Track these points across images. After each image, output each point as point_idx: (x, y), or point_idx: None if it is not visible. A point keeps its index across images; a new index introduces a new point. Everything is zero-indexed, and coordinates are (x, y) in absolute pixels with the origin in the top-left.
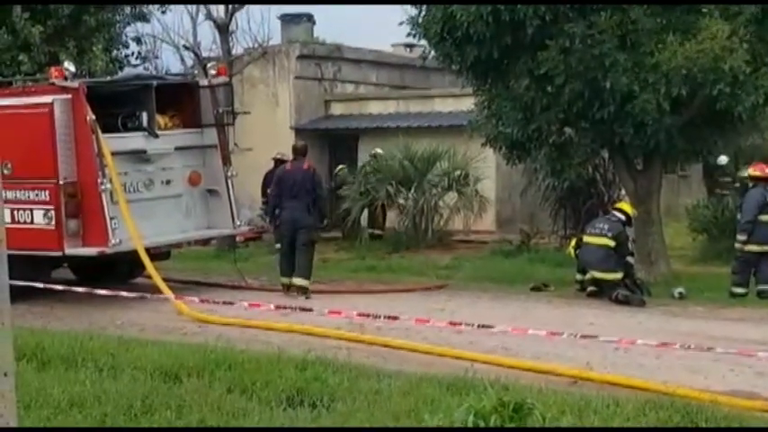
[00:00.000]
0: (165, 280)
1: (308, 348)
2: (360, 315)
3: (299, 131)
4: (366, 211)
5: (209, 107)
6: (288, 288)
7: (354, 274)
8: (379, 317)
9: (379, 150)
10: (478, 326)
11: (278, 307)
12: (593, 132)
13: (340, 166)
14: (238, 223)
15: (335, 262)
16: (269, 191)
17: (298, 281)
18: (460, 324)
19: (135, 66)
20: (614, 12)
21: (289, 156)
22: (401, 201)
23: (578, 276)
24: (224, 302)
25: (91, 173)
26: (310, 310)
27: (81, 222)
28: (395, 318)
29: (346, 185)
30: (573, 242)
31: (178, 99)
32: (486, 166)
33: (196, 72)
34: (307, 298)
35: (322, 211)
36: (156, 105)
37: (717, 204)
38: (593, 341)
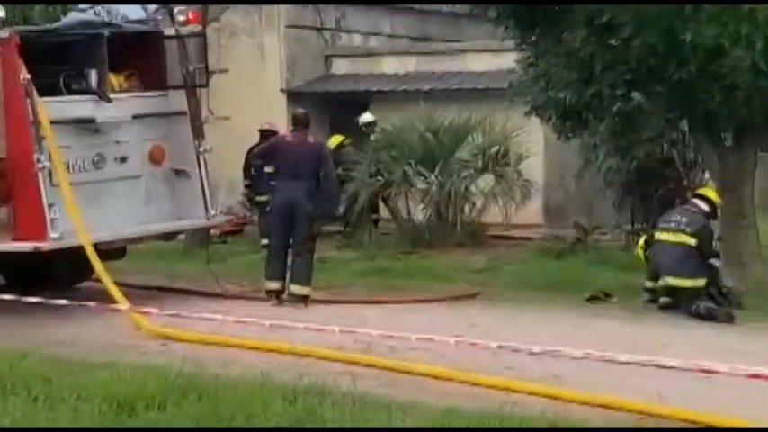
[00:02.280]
0: (120, 285)
1: (301, 373)
2: (368, 331)
3: (291, 95)
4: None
5: (176, 64)
6: (277, 296)
7: (362, 278)
8: (393, 334)
9: (368, 117)
10: (520, 347)
11: (263, 320)
12: (668, 98)
13: (335, 138)
14: (213, 213)
15: (337, 263)
16: (253, 169)
17: (295, 288)
18: (497, 344)
19: (82, 11)
20: None
21: (278, 127)
22: (422, 185)
23: (648, 284)
24: (194, 314)
25: (24, 147)
26: (305, 324)
27: (11, 210)
28: (410, 335)
29: (344, 164)
30: (642, 239)
31: (137, 53)
32: (532, 141)
33: (160, 19)
34: (305, 306)
35: (336, 198)
36: (109, 61)
37: None
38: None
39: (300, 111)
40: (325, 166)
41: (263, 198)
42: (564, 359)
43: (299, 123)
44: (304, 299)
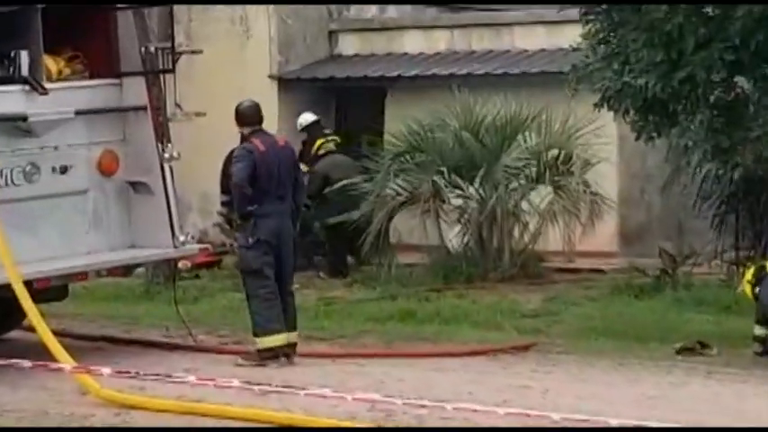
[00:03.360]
0: (60, 335)
1: None
2: (389, 397)
3: (285, 84)
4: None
5: (133, 43)
6: (286, 355)
7: (379, 324)
8: (421, 400)
9: (308, 117)
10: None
11: (248, 382)
12: None
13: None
14: (182, 239)
15: (347, 304)
16: (233, 182)
17: (293, 337)
18: (558, 415)
19: None
20: None
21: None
22: (457, 200)
23: (759, 330)
24: (157, 374)
25: None
26: (302, 388)
27: None
28: (445, 402)
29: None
30: (750, 272)
31: (82, 29)
32: (603, 141)
33: None
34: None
35: (298, 216)
36: (45, 40)
37: None
38: None
39: (247, 103)
40: (299, 173)
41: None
42: None
43: (251, 121)
44: (294, 347)
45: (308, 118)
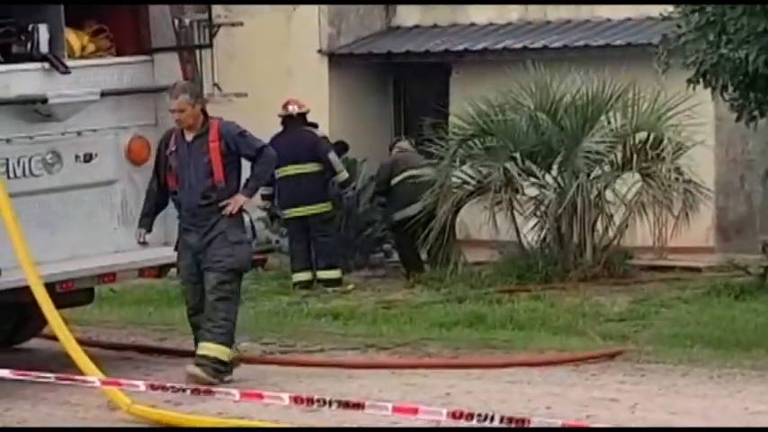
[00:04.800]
0: (86, 344)
1: None
2: (456, 415)
3: (336, 60)
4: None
5: (165, 15)
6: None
7: (444, 330)
8: (493, 417)
9: None
10: None
11: (297, 399)
12: None
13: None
14: None
15: (408, 308)
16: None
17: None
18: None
19: None
20: None
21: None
22: (533, 190)
23: None
24: (195, 389)
25: None
26: (357, 405)
27: None
28: (522, 421)
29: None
30: None
31: (108, 2)
32: (698, 122)
33: None
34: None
35: None
36: (67, 12)
37: None
38: None
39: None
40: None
41: (293, 212)
42: None
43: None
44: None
45: None
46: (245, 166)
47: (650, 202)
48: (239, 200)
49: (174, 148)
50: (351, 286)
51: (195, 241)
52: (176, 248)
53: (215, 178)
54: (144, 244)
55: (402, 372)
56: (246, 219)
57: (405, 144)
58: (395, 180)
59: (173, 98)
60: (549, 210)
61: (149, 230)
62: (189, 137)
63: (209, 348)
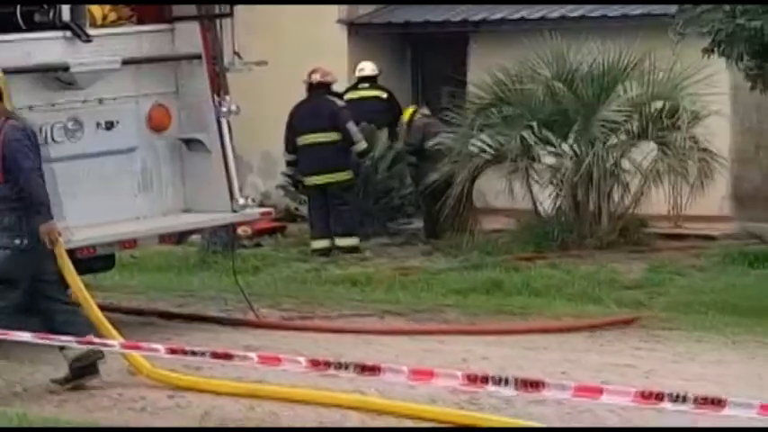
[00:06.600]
0: (107, 309)
1: None
2: (471, 378)
3: (355, 29)
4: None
5: None
6: None
7: (461, 297)
8: (508, 381)
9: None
10: (690, 399)
11: (314, 363)
12: None
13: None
14: (241, 202)
15: (425, 275)
16: (299, 140)
17: None
18: (661, 396)
19: None
20: None
21: (335, 77)
22: (549, 158)
23: None
24: (214, 353)
25: None
26: (374, 368)
27: None
28: (536, 384)
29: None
30: None
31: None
32: (714, 92)
33: None
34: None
35: None
36: None
37: None
38: None
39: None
40: None
41: (314, 180)
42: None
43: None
44: None
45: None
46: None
47: (666, 170)
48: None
49: None
50: (368, 253)
51: None
52: None
53: None
54: None
55: (419, 337)
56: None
57: (426, 110)
58: (428, 143)
59: None
60: (566, 178)
61: None
62: None
63: None
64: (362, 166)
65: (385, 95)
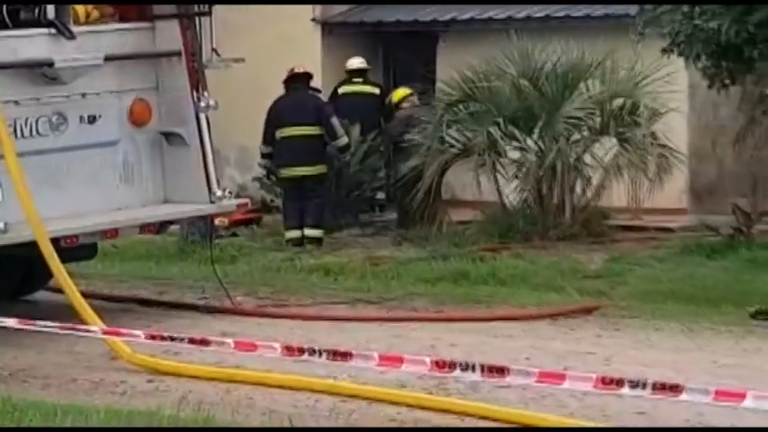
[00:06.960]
0: (89, 296)
1: (346, 422)
2: (439, 364)
3: (329, 28)
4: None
5: None
6: None
7: (429, 286)
8: (474, 367)
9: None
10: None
11: (289, 349)
12: None
13: (400, 91)
14: (219, 194)
15: (395, 264)
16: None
17: None
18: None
19: None
20: None
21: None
22: (514, 153)
23: None
24: (192, 339)
25: None
26: (345, 354)
27: None
28: (501, 370)
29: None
30: None
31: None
32: (672, 90)
33: None
34: None
35: None
36: None
37: None
38: None
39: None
40: None
41: (290, 172)
42: (716, 402)
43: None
44: None
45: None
46: None
47: (626, 165)
48: None
49: None
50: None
51: None
52: None
53: None
54: None
55: (389, 325)
56: None
57: (416, 100)
58: (407, 136)
59: None
60: (531, 172)
61: None
62: None
63: None
64: (342, 160)
65: (378, 91)
